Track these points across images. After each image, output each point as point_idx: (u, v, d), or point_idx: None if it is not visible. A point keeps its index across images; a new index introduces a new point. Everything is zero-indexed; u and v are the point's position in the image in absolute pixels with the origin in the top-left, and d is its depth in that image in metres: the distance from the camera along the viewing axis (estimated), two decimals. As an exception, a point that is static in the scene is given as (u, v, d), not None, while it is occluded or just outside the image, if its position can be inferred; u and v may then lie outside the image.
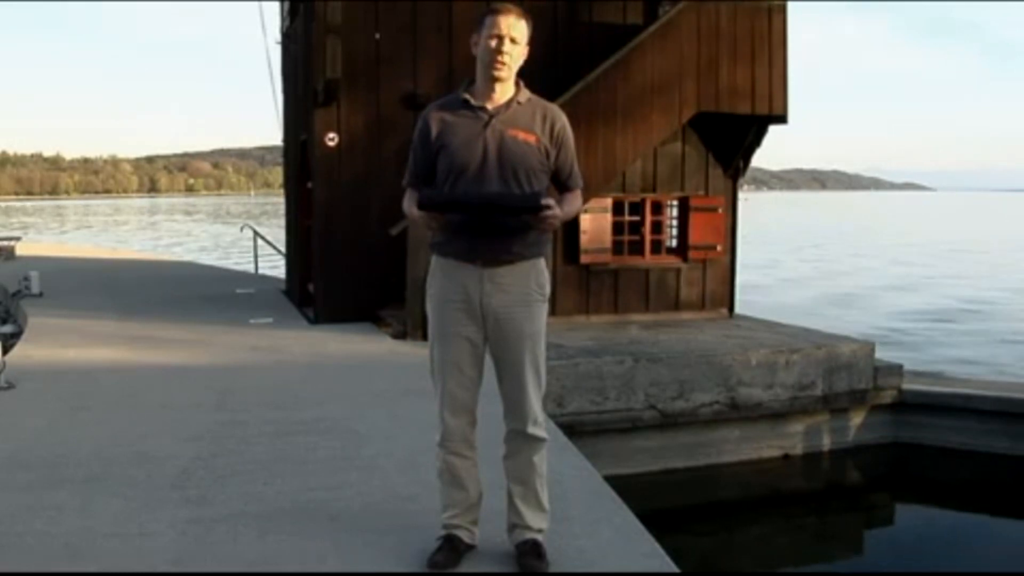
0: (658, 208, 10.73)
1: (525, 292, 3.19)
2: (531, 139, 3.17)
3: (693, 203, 10.73)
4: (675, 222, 10.92)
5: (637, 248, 10.65)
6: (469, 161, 3.14)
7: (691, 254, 10.75)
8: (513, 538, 3.33)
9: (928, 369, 11.66)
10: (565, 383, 7.73)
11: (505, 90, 3.19)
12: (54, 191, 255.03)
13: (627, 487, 4.65)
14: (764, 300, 17.72)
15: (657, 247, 10.76)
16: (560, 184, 3.31)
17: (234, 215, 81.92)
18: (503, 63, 3.12)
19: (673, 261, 10.78)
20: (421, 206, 3.12)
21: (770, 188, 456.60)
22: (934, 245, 43.03)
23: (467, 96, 3.20)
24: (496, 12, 3.12)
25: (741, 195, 11.47)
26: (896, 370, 8.98)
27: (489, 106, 3.18)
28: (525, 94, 3.23)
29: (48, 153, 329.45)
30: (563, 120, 3.25)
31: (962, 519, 7.96)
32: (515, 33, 3.11)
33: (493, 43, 3.10)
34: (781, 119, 10.35)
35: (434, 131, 3.21)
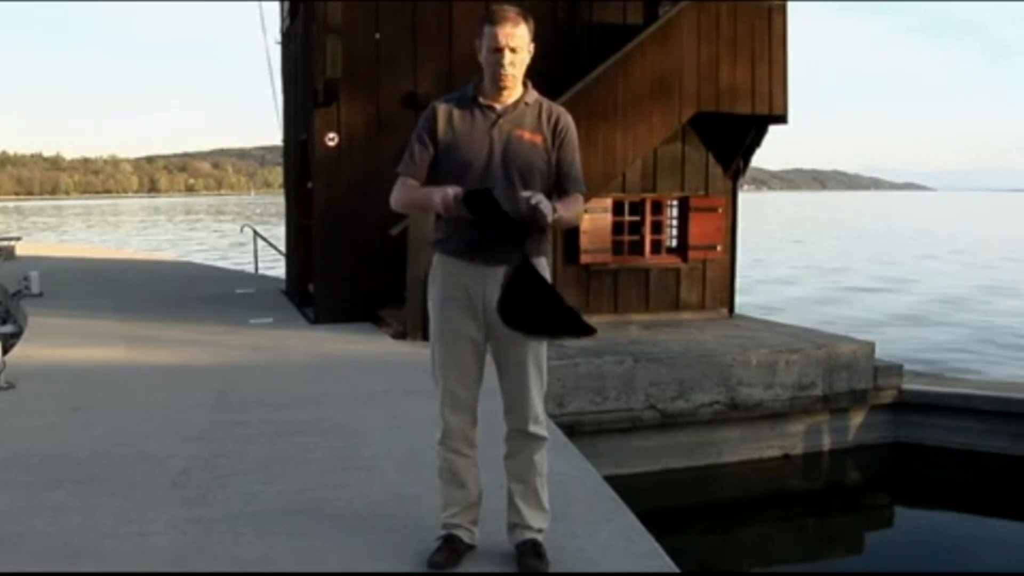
0: (658, 208, 10.72)
1: (526, 291, 3.18)
2: (537, 139, 3.17)
3: (693, 203, 10.73)
4: (675, 222, 10.92)
5: (637, 248, 10.64)
6: (475, 159, 3.14)
7: (691, 254, 10.74)
8: (513, 538, 3.32)
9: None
10: (565, 383, 7.73)
11: (514, 91, 3.20)
12: (54, 191, 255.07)
13: (627, 487, 4.65)
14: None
15: (657, 247, 10.76)
16: (557, 183, 3.22)
17: (251, 216, 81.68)
18: (506, 74, 3.12)
19: (673, 261, 10.78)
20: (468, 197, 2.97)
21: (770, 188, 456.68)
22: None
23: (476, 94, 3.21)
24: (493, 22, 3.08)
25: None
26: (896, 370, 8.98)
27: (497, 106, 3.19)
28: (533, 95, 3.23)
29: (48, 153, 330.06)
30: (567, 119, 3.24)
31: (962, 519, 7.96)
32: (514, 43, 3.09)
33: (494, 57, 3.10)
34: (781, 119, 10.35)
35: (441, 125, 3.20)
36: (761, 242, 39.78)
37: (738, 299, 11.36)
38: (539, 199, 2.95)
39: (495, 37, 3.08)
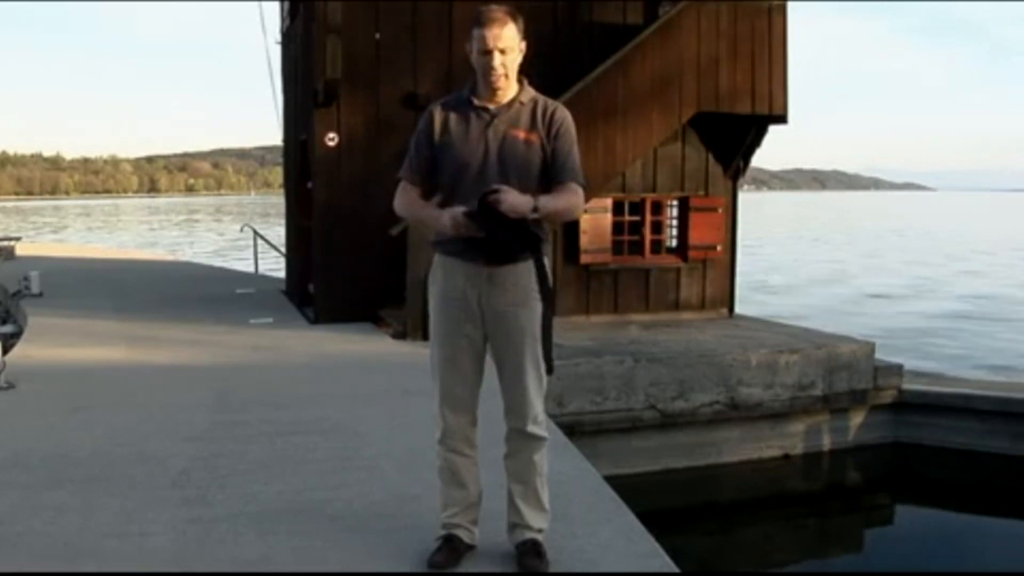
0: (658, 208, 10.72)
1: (526, 291, 3.18)
2: (533, 138, 3.16)
3: (693, 203, 10.73)
4: (675, 222, 10.92)
5: (637, 248, 10.64)
6: (471, 161, 3.14)
7: (691, 254, 10.74)
8: (513, 538, 3.32)
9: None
10: (565, 383, 7.73)
11: (508, 91, 3.19)
12: (54, 191, 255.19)
13: (627, 487, 4.65)
14: None
15: (657, 247, 10.76)
16: (552, 175, 3.17)
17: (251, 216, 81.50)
18: (497, 75, 3.12)
19: (673, 261, 10.78)
20: (482, 205, 2.96)
21: (770, 188, 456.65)
22: None
23: (471, 96, 3.21)
24: (481, 24, 3.08)
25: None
26: (896, 370, 8.98)
27: (492, 106, 3.18)
28: (528, 93, 3.22)
29: (48, 153, 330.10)
30: (562, 113, 3.22)
31: (962, 519, 7.96)
32: (502, 44, 3.08)
33: (484, 59, 3.10)
34: (781, 119, 10.35)
35: (437, 128, 3.21)
36: (784, 243, 39.67)
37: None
38: (503, 190, 2.95)
39: (483, 39, 3.08)
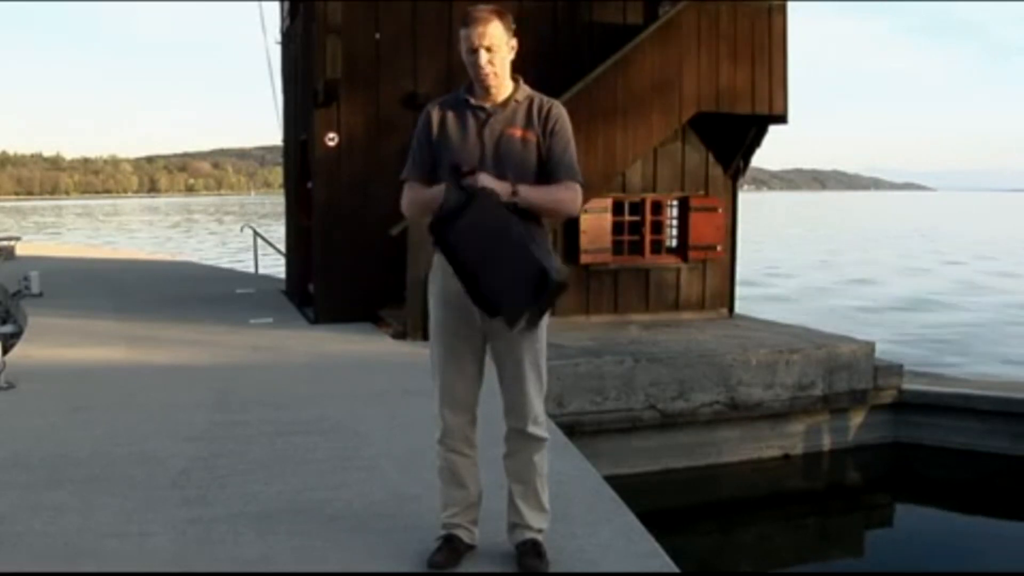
0: (658, 208, 10.72)
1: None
2: (530, 136, 3.16)
3: (693, 203, 10.73)
4: (675, 222, 10.92)
5: (637, 248, 10.64)
6: (468, 160, 3.14)
7: (691, 254, 10.74)
8: (513, 538, 3.32)
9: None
10: (565, 383, 7.73)
11: (502, 89, 3.19)
12: (54, 191, 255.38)
13: (627, 487, 4.65)
14: None
15: (657, 247, 10.76)
16: (548, 172, 3.16)
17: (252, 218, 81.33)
18: (486, 73, 3.12)
19: (673, 261, 10.78)
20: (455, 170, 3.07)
21: (770, 188, 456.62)
22: None
23: (467, 95, 3.21)
24: (466, 24, 3.10)
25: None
26: (896, 370, 8.98)
27: (488, 105, 3.19)
28: (524, 91, 3.23)
29: (48, 153, 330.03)
30: (558, 111, 3.22)
31: (962, 519, 7.96)
32: (488, 42, 3.09)
33: (472, 58, 3.11)
34: (781, 119, 10.35)
35: (435, 128, 3.22)
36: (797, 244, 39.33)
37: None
38: (479, 174, 2.98)
39: (469, 39, 3.10)
